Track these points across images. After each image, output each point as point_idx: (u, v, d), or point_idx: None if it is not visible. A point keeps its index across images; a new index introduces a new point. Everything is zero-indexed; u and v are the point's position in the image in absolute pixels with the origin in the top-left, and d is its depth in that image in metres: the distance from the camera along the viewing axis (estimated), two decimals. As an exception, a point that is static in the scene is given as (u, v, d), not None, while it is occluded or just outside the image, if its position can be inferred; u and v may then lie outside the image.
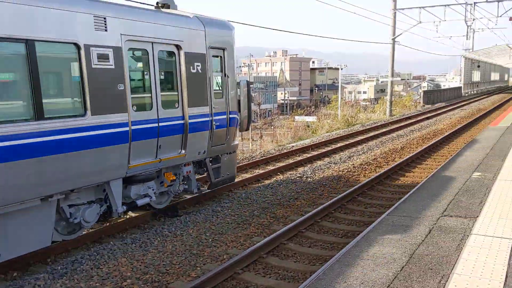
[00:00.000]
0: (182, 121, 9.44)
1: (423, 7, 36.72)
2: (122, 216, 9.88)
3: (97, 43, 7.48)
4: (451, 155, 15.65)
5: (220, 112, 10.56)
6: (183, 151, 9.61)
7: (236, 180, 12.58)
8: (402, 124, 27.74)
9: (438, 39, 43.96)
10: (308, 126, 36.67)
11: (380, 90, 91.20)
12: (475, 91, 71.43)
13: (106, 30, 7.65)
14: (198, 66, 9.69)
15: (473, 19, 34.92)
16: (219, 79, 10.61)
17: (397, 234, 5.68)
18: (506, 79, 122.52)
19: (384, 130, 24.90)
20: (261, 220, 10.25)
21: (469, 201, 6.99)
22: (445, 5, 36.06)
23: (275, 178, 14.30)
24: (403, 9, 37.14)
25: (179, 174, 10.19)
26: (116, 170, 8.14)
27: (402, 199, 7.48)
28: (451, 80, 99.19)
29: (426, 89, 66.03)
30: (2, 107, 6.45)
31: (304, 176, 14.63)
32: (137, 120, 8.33)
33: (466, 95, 64.24)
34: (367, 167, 16.12)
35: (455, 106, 42.74)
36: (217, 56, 10.42)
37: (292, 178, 14.37)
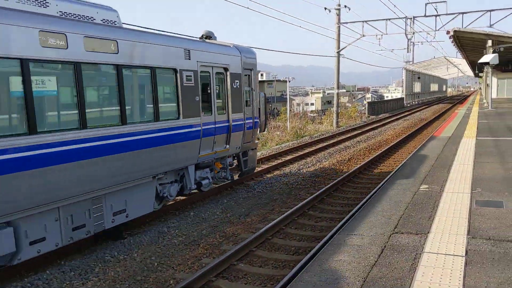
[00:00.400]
0: (227, 124, 12.56)
1: (366, 21, 37.61)
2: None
3: (184, 68, 10.63)
4: (397, 165, 15.86)
5: (249, 117, 13.68)
6: (227, 146, 12.69)
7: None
8: (349, 135, 28.08)
9: (380, 52, 45.21)
10: (258, 139, 36.45)
11: (327, 102, 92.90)
12: (416, 102, 74.04)
13: (189, 59, 10.83)
14: (237, 82, 12.92)
15: (413, 33, 36.09)
16: (247, 92, 13.75)
17: (349, 255, 5.44)
18: (444, 89, 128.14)
19: (332, 141, 25.07)
20: (211, 240, 9.82)
21: (418, 216, 6.87)
22: (386, 19, 37.11)
23: (225, 194, 13.92)
24: (346, 23, 37.89)
25: (224, 164, 13.22)
26: (192, 159, 11.25)
27: (353, 217, 7.30)
28: (394, 91, 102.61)
29: (370, 100, 67.76)
30: (139, 113, 9.68)
31: (255, 191, 14.34)
32: (204, 122, 11.45)
33: (408, 105, 66.43)
34: (316, 179, 16.04)
35: (398, 116, 43.94)
36: (246, 75, 13.61)
37: (242, 194, 14.03)
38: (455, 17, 34.99)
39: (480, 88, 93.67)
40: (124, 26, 9.99)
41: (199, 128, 11.18)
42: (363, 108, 51.82)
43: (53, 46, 7.50)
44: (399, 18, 36.40)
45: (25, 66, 7.00)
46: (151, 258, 8.74)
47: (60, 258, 8.78)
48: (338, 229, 8.96)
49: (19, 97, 7.05)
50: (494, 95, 47.10)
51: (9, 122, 7.06)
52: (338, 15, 37.94)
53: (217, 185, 14.03)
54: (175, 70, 10.30)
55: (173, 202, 12.11)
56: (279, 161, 19.22)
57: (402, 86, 73.22)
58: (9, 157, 6.77)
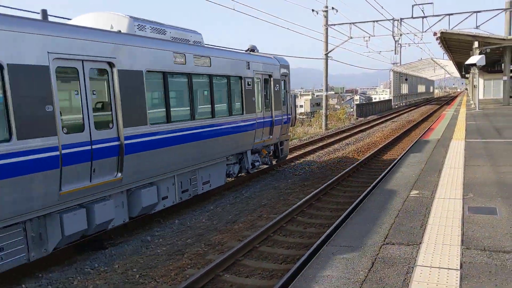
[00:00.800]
0: (271, 119, 15.92)
1: (353, 23, 37.44)
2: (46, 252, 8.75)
3: (246, 76, 14.10)
4: (386, 169, 15.60)
5: (285, 114, 17.00)
6: (271, 137, 16.02)
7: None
8: (338, 137, 27.82)
9: (368, 53, 45.11)
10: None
11: (316, 104, 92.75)
12: (404, 103, 74.18)
13: (249, 69, 14.32)
14: (277, 86, 16.33)
15: (400, 34, 36.00)
16: (283, 93, 16.95)
17: (337, 270, 5.11)
18: (431, 91, 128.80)
19: (320, 144, 24.77)
20: (195, 249, 9.43)
21: (410, 225, 6.56)
22: (373, 21, 37.00)
23: (212, 200, 13.55)
24: (334, 25, 37.69)
25: (268, 151, 16.52)
26: (249, 145, 14.66)
27: (342, 225, 6.97)
28: (381, 93, 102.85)
29: (358, 102, 67.75)
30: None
31: (244, 196, 13.99)
32: (258, 117, 14.80)
33: (396, 107, 66.50)
34: (305, 183, 15.73)
35: (387, 118, 43.85)
36: (283, 80, 16.89)
37: (231, 199, 13.67)
38: (442, 18, 34.97)
39: (467, 89, 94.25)
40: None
41: (254, 122, 14.68)
42: (352, 110, 51.71)
43: (179, 63, 10.91)
44: (387, 20, 36.30)
45: (164, 76, 10.41)
46: (132, 269, 8.35)
47: (38, 269, 8.37)
48: (325, 238, 8.63)
49: (163, 96, 10.52)
50: (480, 96, 47.21)
51: (167, 115, 10.61)
52: (326, 17, 37.75)
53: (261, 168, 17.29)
54: (240, 78, 13.91)
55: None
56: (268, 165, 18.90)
57: (389, 88, 73.32)
58: (161, 138, 10.23)
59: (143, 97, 9.73)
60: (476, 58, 29.79)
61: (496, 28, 39.97)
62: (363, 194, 12.20)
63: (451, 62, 64.42)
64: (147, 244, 9.81)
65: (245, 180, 16.01)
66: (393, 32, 36.33)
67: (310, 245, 9.37)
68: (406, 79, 72.66)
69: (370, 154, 20.02)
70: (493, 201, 7.52)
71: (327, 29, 37.88)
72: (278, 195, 14.07)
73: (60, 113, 7.84)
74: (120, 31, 10.06)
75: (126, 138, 9.17)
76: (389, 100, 64.36)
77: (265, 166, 17.45)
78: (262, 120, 15.26)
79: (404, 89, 75.19)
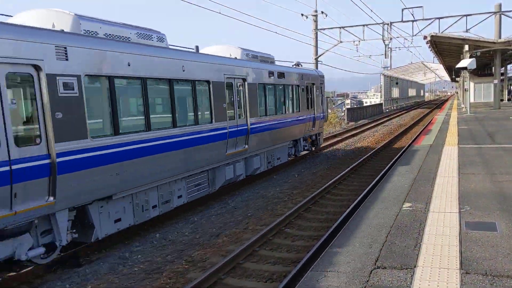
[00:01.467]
0: (313, 115, 21.00)
1: (343, 27, 37.06)
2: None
3: (301, 84, 19.40)
4: (377, 176, 15.06)
5: (322, 112, 22.40)
6: (313, 128, 21.23)
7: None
8: (329, 143, 27.28)
9: (358, 58, 44.72)
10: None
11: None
12: (395, 107, 73.93)
13: (302, 79, 19.62)
14: (318, 91, 21.52)
15: (390, 38, 35.64)
16: (321, 97, 22.19)
17: (323, 302, 4.52)
18: (422, 94, 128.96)
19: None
20: (175, 267, 8.80)
21: (403, 244, 5.97)
22: (363, 25, 36.63)
23: (197, 211, 12.92)
24: (324, 29, 37.29)
25: (312, 139, 21.59)
26: (302, 134, 19.83)
27: (329, 245, 6.36)
28: (372, 97, 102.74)
29: (349, 106, 67.38)
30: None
31: (230, 206, 13.38)
32: (303, 115, 19.61)
33: (387, 111, 66.21)
34: (294, 191, 15.17)
35: (377, 122, 43.42)
36: (320, 87, 22.05)
37: (215, 210, 13.06)
38: (432, 22, 34.70)
39: (457, 93, 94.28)
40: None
41: (305, 117, 20.11)
42: (343, 114, 51.26)
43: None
44: (376, 24, 35.94)
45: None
46: (106, 291, 7.71)
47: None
48: (308, 260, 8.03)
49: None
50: (471, 100, 47.00)
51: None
52: (315, 21, 37.31)
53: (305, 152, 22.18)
54: (298, 86, 19.22)
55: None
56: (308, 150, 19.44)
57: (380, 92, 73.09)
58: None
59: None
60: (467, 62, 29.45)
61: (486, 32, 39.73)
62: (349, 209, 11.62)
63: (441, 65, 64.28)
64: (124, 261, 9.17)
65: (231, 189, 15.39)
66: (383, 36, 35.96)
67: (297, 261, 8.79)
68: (396, 83, 72.47)
69: (360, 160, 19.49)
70: (492, 215, 6.97)
71: (316, 33, 37.44)
72: (265, 204, 13.49)
73: None
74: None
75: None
76: (380, 104, 64.02)
77: (307, 152, 22.54)
78: (309, 117, 20.63)
79: (395, 93, 74.98)
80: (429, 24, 35.02)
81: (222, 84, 13.26)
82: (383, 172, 15.00)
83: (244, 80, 14.68)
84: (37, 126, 7.58)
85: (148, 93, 10.15)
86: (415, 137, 21.18)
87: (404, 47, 43.95)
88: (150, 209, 10.67)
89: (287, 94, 18.16)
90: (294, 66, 21.18)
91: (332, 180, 15.62)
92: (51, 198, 7.67)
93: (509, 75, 55.29)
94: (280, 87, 17.57)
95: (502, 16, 34.64)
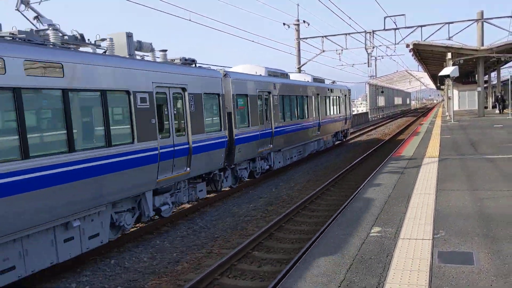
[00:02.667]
0: (345, 117, 30.67)
1: (325, 36, 36.42)
2: None
3: (332, 95, 27.63)
4: (352, 194, 14.17)
5: (350, 115, 32.92)
6: (346, 125, 31.00)
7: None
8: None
9: (341, 66, 44.12)
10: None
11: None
12: (381, 116, 73.45)
13: (332, 92, 28.06)
14: (346, 100, 31.01)
15: (373, 47, 35.05)
16: (349, 104, 32.47)
17: None
18: (408, 102, 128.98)
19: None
20: (123, 302, 7.80)
21: (363, 284, 5.04)
22: (346, 34, 36.02)
23: (162, 231, 11.92)
24: (306, 38, 36.61)
25: (343, 133, 30.95)
26: (340, 128, 29.62)
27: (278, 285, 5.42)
28: (360, 105, 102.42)
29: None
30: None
31: (198, 225, 12.41)
32: (339, 115, 29.16)
33: (374, 119, 65.67)
34: (269, 208, 14.23)
35: (362, 131, 42.71)
36: (347, 96, 31.37)
37: (181, 231, 12.07)
38: (414, 30, 34.14)
39: (443, 100, 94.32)
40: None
41: (340, 117, 28.99)
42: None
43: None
44: (358, 32, 35.35)
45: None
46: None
47: None
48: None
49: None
50: (456, 108, 46.49)
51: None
52: (298, 30, 36.64)
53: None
54: (340, 97, 28.95)
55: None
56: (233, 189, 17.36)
57: (366, 101, 72.63)
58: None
59: None
60: (449, 70, 28.84)
61: (468, 39, 39.32)
62: (316, 236, 10.66)
63: (426, 74, 63.98)
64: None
65: (205, 205, 14.37)
66: (365, 44, 35.35)
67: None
68: (382, 92, 72.05)
69: (338, 174, 18.62)
70: (469, 243, 6.06)
71: (299, 42, 36.76)
72: (236, 223, 12.53)
73: None
74: None
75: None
76: (366, 113, 63.47)
77: (339, 142, 31.08)
78: (340, 117, 29.34)
79: (381, 101, 74.55)
80: (411, 32, 34.50)
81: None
82: (357, 190, 14.10)
83: (318, 94, 24.88)
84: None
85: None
86: (397, 146, 20.35)
87: (387, 56, 43.37)
88: None
89: (336, 101, 28.28)
90: (332, 82, 30.16)
91: (308, 196, 14.73)
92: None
93: (493, 82, 54.99)
94: (334, 98, 27.97)
95: (485, 23, 34.19)
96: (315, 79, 26.25)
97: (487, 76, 50.31)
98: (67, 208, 8.23)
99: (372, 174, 12.17)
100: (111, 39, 10.55)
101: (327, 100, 26.44)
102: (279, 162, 19.81)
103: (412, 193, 9.39)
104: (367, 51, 35.49)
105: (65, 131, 8.15)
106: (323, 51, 36.90)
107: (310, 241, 9.64)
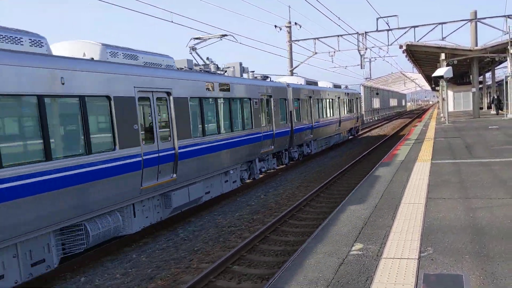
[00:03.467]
0: (357, 116, 37.25)
1: (317, 38, 35.82)
2: None
3: (351, 98, 35.01)
4: (337, 205, 13.48)
5: (361, 113, 42.66)
6: (357, 123, 37.96)
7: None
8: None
9: (334, 69, 43.48)
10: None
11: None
12: (376, 118, 72.85)
13: (347, 95, 34.34)
14: (358, 101, 37.94)
15: (366, 48, 34.43)
16: (360, 104, 40.10)
17: None
18: (403, 104, 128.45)
19: (283, 166, 22.61)
20: (85, 327, 7.10)
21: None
22: (338, 36, 35.44)
23: (141, 244, 11.22)
24: (298, 40, 36.00)
25: (355, 129, 37.30)
26: (352, 125, 35.29)
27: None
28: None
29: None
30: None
31: (179, 237, 11.72)
32: (351, 115, 34.76)
33: (370, 121, 65.05)
34: (254, 217, 13.56)
35: (358, 134, 42.07)
36: (358, 98, 38.62)
37: (161, 243, 11.38)
38: (407, 31, 33.55)
39: (438, 102, 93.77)
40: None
41: (356, 116, 36.39)
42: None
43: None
44: (351, 34, 34.75)
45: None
46: None
47: None
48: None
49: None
50: (451, 109, 45.94)
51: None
52: (289, 32, 36.05)
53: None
54: (357, 98, 37.53)
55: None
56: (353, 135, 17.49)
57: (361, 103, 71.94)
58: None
59: None
60: (443, 70, 28.24)
61: (462, 39, 38.78)
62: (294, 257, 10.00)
63: (421, 75, 63.42)
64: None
65: (195, 211, 13.68)
66: (358, 46, 34.76)
67: None
68: (377, 93, 71.47)
69: (328, 180, 17.95)
70: (459, 263, 5.37)
71: (291, 45, 36.16)
72: (218, 234, 11.84)
73: None
74: None
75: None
76: (361, 115, 62.81)
77: (351, 137, 35.92)
78: (352, 116, 34.26)
79: (376, 103, 73.96)
80: (404, 33, 33.90)
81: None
82: (343, 201, 13.42)
83: (339, 97, 31.08)
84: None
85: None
86: (390, 150, 19.68)
87: (380, 57, 42.79)
88: None
89: (350, 103, 34.40)
90: (345, 87, 35.52)
91: (294, 205, 14.05)
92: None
93: (488, 83, 54.45)
94: (349, 100, 34.10)
95: (478, 23, 33.64)
96: (335, 85, 32.16)
97: (482, 77, 49.78)
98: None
99: (360, 183, 11.47)
100: (233, 67, 17.19)
101: (345, 102, 32.32)
102: (315, 149, 25.76)
103: (400, 203, 8.71)
104: (359, 53, 34.90)
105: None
106: (316, 53, 36.31)
107: (287, 263, 8.97)
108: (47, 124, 7.89)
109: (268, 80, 20.01)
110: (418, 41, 32.81)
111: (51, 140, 8.01)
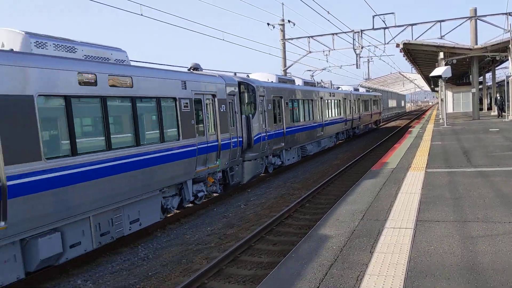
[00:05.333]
0: (380, 111, 51.11)
1: (311, 37, 34.21)
2: None
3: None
4: (311, 228, 11.84)
5: (382, 109, 55.55)
6: (380, 117, 51.82)
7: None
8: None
9: (329, 68, 41.85)
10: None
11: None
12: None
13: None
14: (380, 101, 51.85)
15: (362, 47, 32.78)
16: (381, 102, 53.42)
17: None
18: (403, 105, 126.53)
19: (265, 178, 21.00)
20: None
21: None
22: (333, 34, 33.83)
23: (93, 266, 9.63)
24: (291, 39, 34.38)
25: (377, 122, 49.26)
26: (376, 118, 48.76)
27: None
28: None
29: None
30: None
31: (138, 256, 10.13)
32: (379, 111, 50.85)
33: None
34: (228, 232, 12.00)
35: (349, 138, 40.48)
36: (380, 99, 51.25)
37: (115, 264, 9.82)
38: (405, 29, 31.96)
39: (438, 103, 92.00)
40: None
41: (379, 111, 49.72)
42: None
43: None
44: (346, 32, 33.16)
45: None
46: None
47: None
48: None
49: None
50: (450, 110, 44.26)
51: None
52: (283, 31, 34.46)
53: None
54: (378, 99, 49.57)
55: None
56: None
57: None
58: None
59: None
60: (441, 70, 26.59)
61: (462, 38, 37.11)
62: None
63: (420, 75, 61.72)
64: None
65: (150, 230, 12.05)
66: (353, 45, 33.14)
67: None
68: (376, 94, 69.71)
69: (316, 187, 16.34)
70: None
71: (284, 43, 34.57)
72: (182, 254, 10.25)
73: None
74: None
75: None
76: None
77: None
78: (379, 111, 48.72)
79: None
80: (401, 31, 32.30)
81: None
82: (316, 224, 11.78)
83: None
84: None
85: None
86: (382, 154, 18.05)
87: (376, 56, 41.17)
88: None
89: (374, 103, 44.72)
90: (368, 90, 43.70)
91: (276, 216, 12.44)
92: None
93: (488, 83, 52.69)
94: (374, 100, 44.02)
95: (478, 21, 31.98)
96: (367, 90, 45.42)
97: (481, 77, 48.07)
98: None
99: (339, 200, 9.79)
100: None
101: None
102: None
103: (384, 227, 7.08)
104: (355, 52, 33.26)
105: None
106: (310, 52, 34.71)
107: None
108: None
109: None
110: (415, 39, 31.19)
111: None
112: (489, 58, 32.79)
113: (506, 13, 29.46)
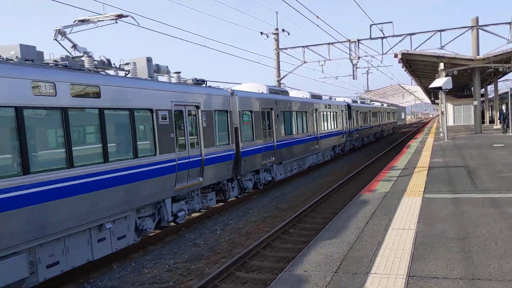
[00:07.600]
0: (394, 121, 63.46)
1: (306, 46, 32.50)
2: None
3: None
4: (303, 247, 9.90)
5: (396, 120, 68.53)
6: (394, 124, 63.32)
7: None
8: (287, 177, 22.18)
9: (324, 79, 40.07)
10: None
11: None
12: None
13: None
14: (395, 113, 63.86)
15: (358, 57, 31.02)
16: (397, 113, 68.85)
17: None
18: (403, 117, 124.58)
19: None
20: None
21: None
22: (329, 43, 32.13)
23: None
24: (286, 48, 32.68)
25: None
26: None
27: None
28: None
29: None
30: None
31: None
32: (396, 120, 65.49)
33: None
34: (193, 266, 10.10)
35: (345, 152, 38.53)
36: (396, 111, 64.64)
37: (135, 275, 7.94)
38: (403, 38, 30.18)
39: (438, 115, 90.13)
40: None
41: (393, 121, 60.94)
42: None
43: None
44: (342, 42, 31.44)
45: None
46: None
47: None
48: None
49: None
50: (451, 123, 42.37)
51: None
52: (277, 40, 32.76)
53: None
54: (395, 111, 62.68)
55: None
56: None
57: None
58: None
59: None
60: (441, 81, 24.73)
61: (463, 48, 35.27)
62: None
63: (420, 87, 59.91)
64: None
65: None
66: (350, 55, 31.38)
67: None
68: (375, 106, 67.99)
69: (300, 211, 14.40)
70: None
71: (278, 53, 32.87)
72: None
73: None
74: None
75: None
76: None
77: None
78: (393, 121, 59.54)
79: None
80: (400, 41, 30.50)
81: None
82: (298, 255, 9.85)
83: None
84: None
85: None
86: (372, 178, 16.14)
87: (373, 67, 39.39)
88: None
89: (391, 114, 54.72)
90: (389, 105, 53.43)
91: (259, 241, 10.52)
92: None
93: (490, 96, 50.72)
94: (393, 112, 57.24)
95: (480, 31, 30.21)
96: (389, 105, 43.49)
97: (483, 89, 46.20)
98: None
99: (312, 240, 7.81)
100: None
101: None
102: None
103: (365, 285, 5.18)
104: (352, 62, 31.49)
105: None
106: (304, 62, 32.99)
107: None
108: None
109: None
110: (415, 49, 29.42)
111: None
112: (491, 70, 30.96)
113: (509, 23, 27.71)
